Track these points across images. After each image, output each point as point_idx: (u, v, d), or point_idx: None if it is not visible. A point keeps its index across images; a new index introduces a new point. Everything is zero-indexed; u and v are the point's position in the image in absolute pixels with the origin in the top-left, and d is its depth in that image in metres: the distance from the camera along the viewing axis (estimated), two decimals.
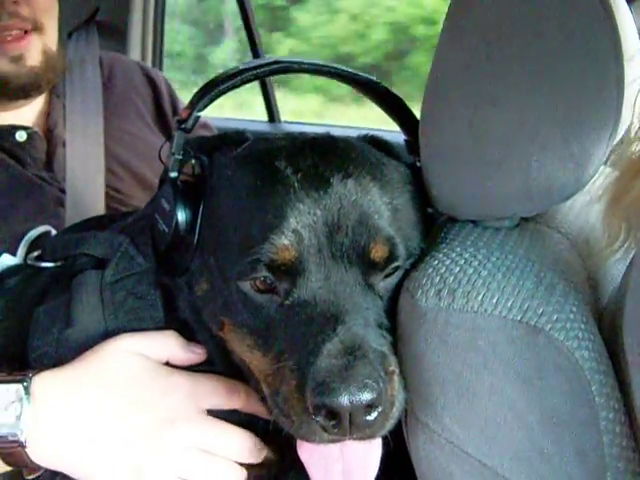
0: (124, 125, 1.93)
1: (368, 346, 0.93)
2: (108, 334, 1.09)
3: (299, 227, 0.97)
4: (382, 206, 1.01)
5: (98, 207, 1.74)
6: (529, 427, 0.89)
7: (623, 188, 0.89)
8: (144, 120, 1.99)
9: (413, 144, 1.12)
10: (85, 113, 1.84)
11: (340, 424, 0.88)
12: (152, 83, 2.06)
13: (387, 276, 1.01)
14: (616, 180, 0.91)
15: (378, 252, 0.99)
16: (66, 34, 1.93)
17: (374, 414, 0.90)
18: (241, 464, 1.08)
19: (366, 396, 0.88)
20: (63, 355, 1.08)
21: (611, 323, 0.91)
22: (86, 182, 1.75)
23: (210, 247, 1.06)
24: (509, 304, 0.89)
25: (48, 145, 1.76)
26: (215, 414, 1.08)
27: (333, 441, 0.93)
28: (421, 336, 0.93)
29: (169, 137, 1.14)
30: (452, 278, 0.92)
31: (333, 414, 0.88)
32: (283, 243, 0.96)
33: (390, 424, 0.94)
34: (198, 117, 1.11)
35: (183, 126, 1.10)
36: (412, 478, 1.00)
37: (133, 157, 1.89)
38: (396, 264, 1.01)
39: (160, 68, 3.02)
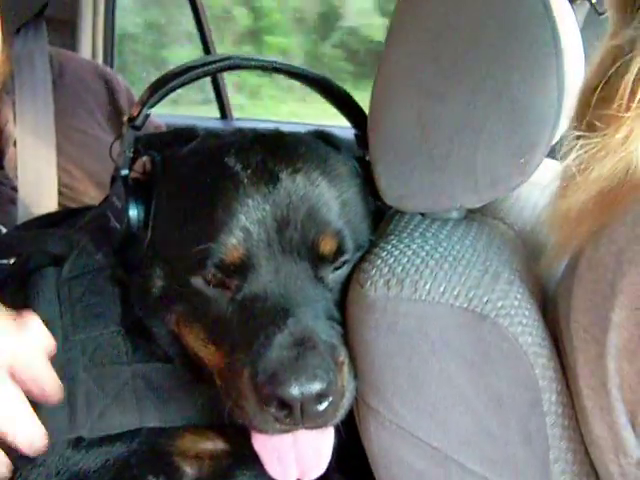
0: (75, 123, 1.91)
1: (318, 338, 0.94)
2: (64, 329, 1.08)
3: (248, 223, 0.98)
4: (331, 200, 1.03)
5: (50, 204, 1.73)
6: (476, 411, 0.91)
7: (560, 197, 0.92)
8: (96, 118, 1.98)
9: (362, 138, 1.14)
10: (35, 110, 1.81)
11: (292, 414, 0.90)
12: (108, 83, 2.04)
13: (336, 269, 1.03)
14: (557, 190, 0.94)
15: (327, 246, 1.00)
16: (13, 30, 1.88)
17: (325, 404, 0.91)
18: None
19: (316, 386, 0.89)
20: None
21: (555, 309, 0.94)
22: (38, 180, 1.73)
23: (162, 243, 1.06)
24: (455, 292, 0.91)
25: None
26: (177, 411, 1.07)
27: (286, 431, 0.95)
28: (371, 325, 0.95)
29: (120, 135, 1.13)
30: (400, 268, 0.94)
31: (285, 405, 0.89)
32: (231, 243, 0.98)
33: (341, 413, 0.96)
34: (148, 114, 1.11)
35: (133, 124, 1.10)
36: (365, 464, 1.02)
37: (85, 155, 1.87)
38: (345, 257, 1.03)
39: (111, 65, 2.97)
